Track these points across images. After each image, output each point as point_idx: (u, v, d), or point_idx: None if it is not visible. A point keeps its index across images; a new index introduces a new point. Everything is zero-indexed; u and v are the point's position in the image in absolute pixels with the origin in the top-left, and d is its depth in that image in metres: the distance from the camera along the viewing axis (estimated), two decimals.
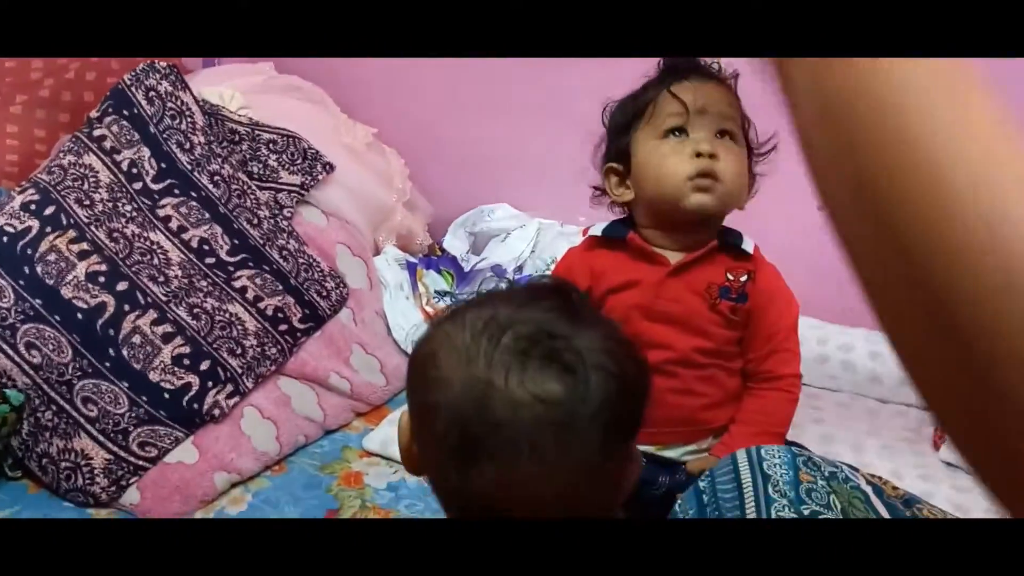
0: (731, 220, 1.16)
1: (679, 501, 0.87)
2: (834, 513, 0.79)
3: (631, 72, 1.09)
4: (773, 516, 0.79)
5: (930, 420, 1.41)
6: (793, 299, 1.12)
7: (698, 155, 1.01)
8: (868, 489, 0.81)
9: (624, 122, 1.10)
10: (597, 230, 1.12)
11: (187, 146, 1.43)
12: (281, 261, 1.43)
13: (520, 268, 1.67)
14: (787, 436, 1.18)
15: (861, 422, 1.41)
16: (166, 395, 1.21)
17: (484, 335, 0.54)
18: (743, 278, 1.07)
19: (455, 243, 1.76)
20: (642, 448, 1.12)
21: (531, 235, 1.71)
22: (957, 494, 1.18)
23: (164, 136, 1.42)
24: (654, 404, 1.10)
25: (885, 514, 0.79)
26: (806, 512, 0.79)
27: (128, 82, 1.44)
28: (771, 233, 1.61)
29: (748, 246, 1.10)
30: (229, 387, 1.27)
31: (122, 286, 1.25)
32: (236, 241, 1.40)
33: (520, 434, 0.51)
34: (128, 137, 1.40)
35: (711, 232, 1.08)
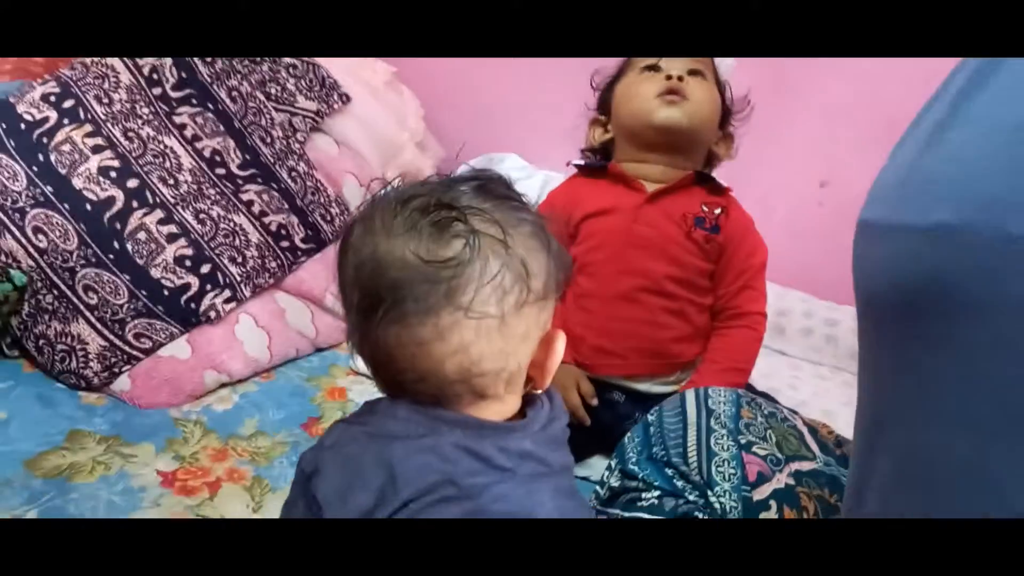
0: (734, 192, 1.21)
1: (628, 434, 0.91)
2: (769, 444, 0.83)
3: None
4: (712, 444, 0.83)
5: None
6: (762, 243, 1.18)
7: (667, 78, 1.09)
8: (804, 429, 0.86)
9: (608, 82, 1.20)
10: (580, 161, 1.19)
11: (208, 59, 1.46)
12: (289, 181, 1.46)
13: None
14: (763, 390, 1.22)
15: (836, 393, 1.44)
16: (165, 292, 1.25)
17: (389, 207, 0.58)
18: (717, 211, 1.12)
19: None
20: (616, 381, 1.16)
21: (537, 186, 1.73)
22: None
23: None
24: (624, 335, 1.15)
25: (815, 448, 0.84)
26: (742, 441, 0.83)
27: None
28: (770, 208, 1.64)
29: (722, 184, 1.17)
30: (227, 292, 1.30)
31: (132, 183, 1.28)
32: (247, 156, 1.43)
33: (410, 293, 0.55)
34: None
35: (688, 165, 1.14)
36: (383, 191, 0.62)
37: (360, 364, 1.37)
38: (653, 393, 1.14)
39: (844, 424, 1.31)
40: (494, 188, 0.61)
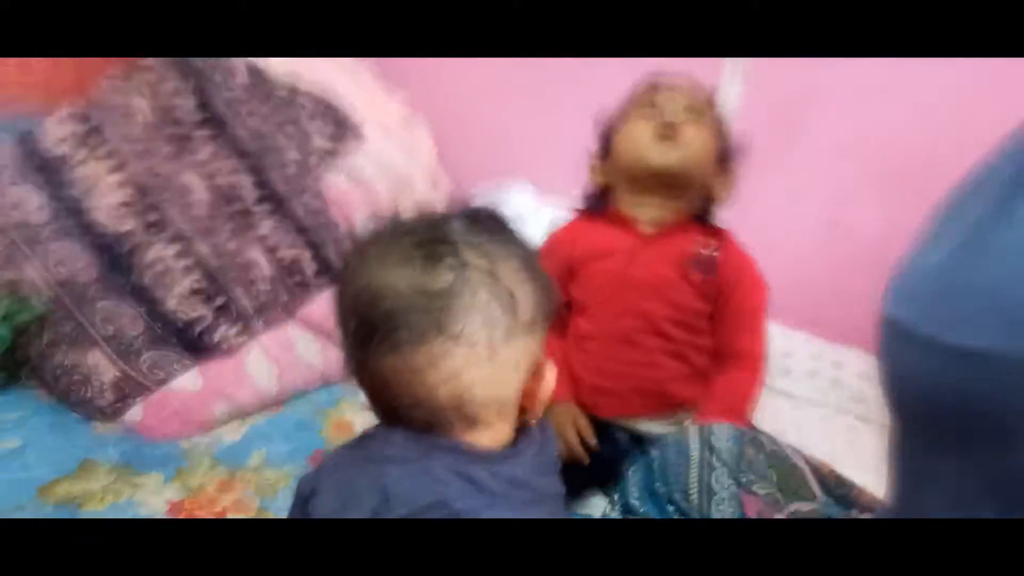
0: (737, 232, 1.22)
1: (631, 468, 0.92)
2: (769, 484, 0.84)
3: (655, 63, 1.18)
4: (713, 483, 0.85)
5: None
6: (762, 283, 1.18)
7: (664, 123, 1.10)
8: (806, 468, 0.87)
9: (610, 125, 1.21)
10: (580, 203, 1.21)
11: (229, 99, 1.50)
12: (303, 216, 1.49)
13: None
14: (768, 432, 1.22)
15: (840, 436, 1.44)
16: (179, 324, 1.28)
17: (384, 239, 0.61)
18: (713, 252, 1.13)
19: None
20: (617, 422, 1.17)
21: (545, 223, 1.75)
22: None
23: (207, 86, 1.49)
24: (622, 376, 1.16)
25: (816, 488, 0.85)
26: (743, 480, 0.84)
27: None
28: (776, 249, 1.66)
29: (719, 224, 1.17)
30: (239, 325, 1.33)
31: (151, 216, 1.32)
32: (262, 191, 1.47)
33: (403, 322, 0.58)
34: (176, 84, 1.47)
35: (685, 206, 1.15)
36: (379, 224, 0.65)
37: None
38: (653, 434, 1.15)
39: (850, 469, 1.32)
40: (485, 222, 0.64)
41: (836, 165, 1.62)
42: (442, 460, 0.60)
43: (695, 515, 0.83)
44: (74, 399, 1.23)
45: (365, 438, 0.65)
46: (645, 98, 1.15)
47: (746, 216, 1.24)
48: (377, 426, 0.65)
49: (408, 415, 0.61)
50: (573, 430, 1.12)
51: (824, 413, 1.53)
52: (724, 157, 1.20)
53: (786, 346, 1.59)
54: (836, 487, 0.86)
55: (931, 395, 0.44)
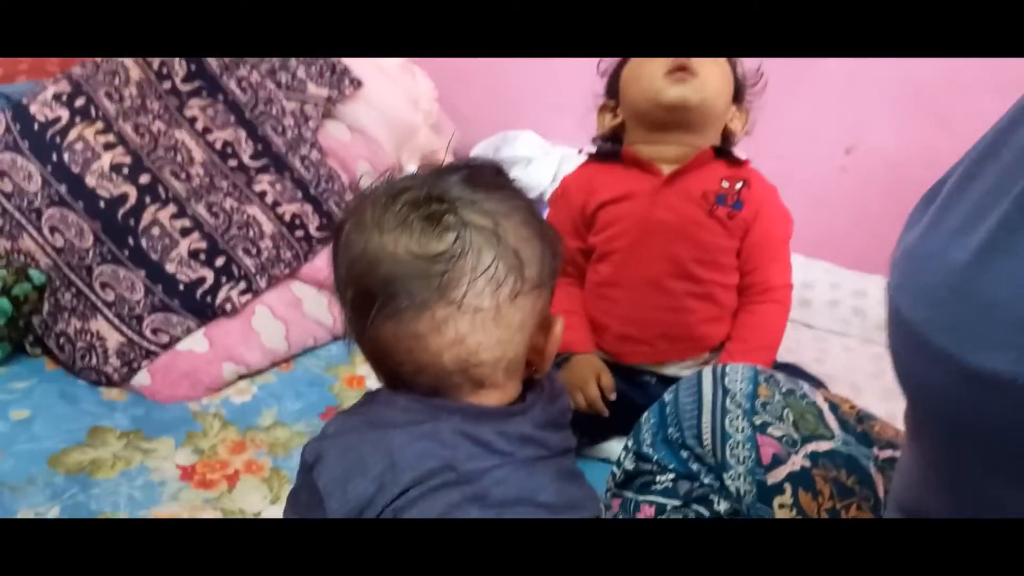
0: (754, 161, 1.17)
1: (644, 415, 0.90)
2: (785, 424, 0.81)
3: None
4: (727, 425, 0.81)
5: None
6: (787, 213, 1.14)
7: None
8: (824, 405, 0.83)
9: (615, 68, 1.17)
10: (592, 149, 1.16)
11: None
12: (302, 170, 1.46)
13: (541, 196, 1.68)
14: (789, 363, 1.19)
15: (864, 366, 1.40)
16: (181, 286, 1.26)
17: (379, 201, 0.58)
18: (738, 185, 1.09)
19: None
20: (643, 367, 1.14)
21: (553, 163, 1.71)
22: None
23: None
24: (650, 323, 1.13)
25: (835, 426, 0.81)
26: (757, 422, 0.81)
27: None
28: (793, 177, 1.60)
29: (742, 156, 1.13)
30: (242, 284, 1.31)
31: (144, 179, 1.29)
32: (259, 147, 1.43)
33: (403, 289, 0.55)
34: None
35: (703, 143, 1.11)
36: (372, 185, 0.62)
37: None
38: (682, 377, 1.12)
39: (874, 399, 1.29)
40: (484, 177, 0.60)
41: (851, 89, 1.56)
42: (449, 422, 0.57)
43: (709, 460, 0.80)
44: (80, 367, 1.21)
45: (368, 402, 0.62)
46: None
47: (761, 145, 1.20)
48: (380, 389, 0.63)
49: (412, 380, 0.58)
50: (594, 384, 1.09)
51: (847, 343, 1.49)
52: (739, 90, 1.15)
53: (806, 277, 1.55)
54: (856, 423, 0.83)
55: (947, 410, 0.40)
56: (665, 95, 1.06)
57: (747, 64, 1.17)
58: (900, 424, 0.92)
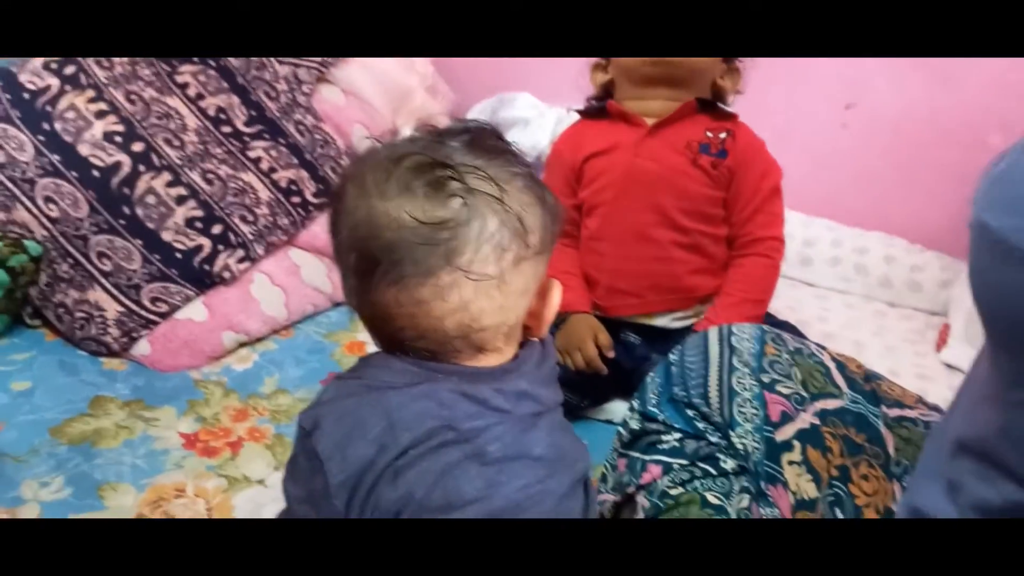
0: (752, 118, 1.16)
1: (650, 375, 0.89)
2: (793, 382, 0.80)
3: None
4: (734, 383, 0.81)
5: (935, 324, 1.40)
6: (775, 163, 1.14)
7: None
8: (831, 364, 0.83)
9: None
10: (580, 107, 1.17)
11: None
12: (297, 135, 1.44)
13: (539, 157, 1.66)
14: (791, 322, 1.19)
15: (867, 323, 1.40)
16: (178, 255, 1.24)
17: (380, 166, 0.57)
18: (722, 135, 1.08)
19: None
20: (632, 320, 1.14)
21: (550, 124, 1.69)
22: (951, 392, 1.18)
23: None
24: (637, 274, 1.13)
25: (843, 384, 0.81)
26: (765, 380, 0.80)
27: None
28: (792, 134, 1.59)
29: (728, 109, 1.12)
30: (240, 252, 1.29)
31: (138, 147, 1.27)
32: (253, 112, 1.41)
33: (408, 255, 0.54)
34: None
35: (691, 98, 1.10)
36: (371, 148, 0.61)
37: None
38: (671, 329, 1.12)
39: (875, 356, 1.29)
40: (486, 141, 0.60)
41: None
42: (446, 383, 0.58)
43: (716, 418, 0.80)
44: (80, 337, 1.21)
45: (364, 366, 0.62)
46: None
47: (759, 103, 1.19)
48: (376, 353, 0.62)
49: (413, 345, 0.58)
50: (591, 344, 1.09)
51: (849, 300, 1.49)
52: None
53: (806, 234, 1.54)
54: (863, 382, 0.83)
55: None
56: None
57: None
58: (905, 383, 0.92)
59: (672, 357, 0.91)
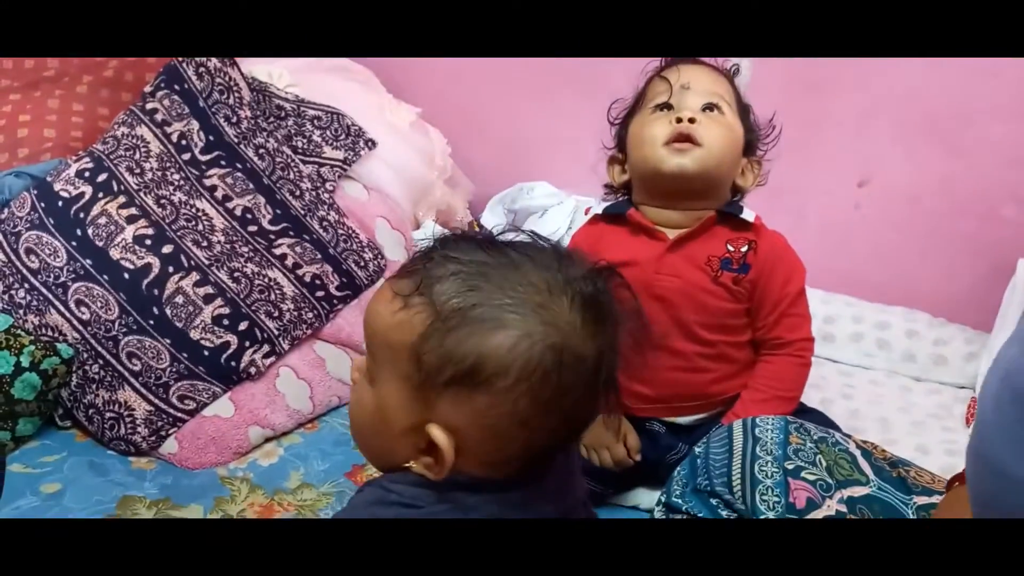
0: (767, 199, 1.17)
1: (677, 469, 0.89)
2: (819, 469, 0.80)
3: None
4: (756, 472, 0.81)
5: (963, 397, 1.38)
6: (799, 264, 1.12)
7: (678, 121, 1.04)
8: (857, 452, 0.83)
9: (624, 115, 1.16)
10: (599, 208, 1.15)
11: (234, 119, 1.49)
12: (321, 231, 1.48)
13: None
14: (818, 408, 1.18)
15: (892, 399, 1.39)
16: (205, 352, 1.27)
17: (553, 295, 0.57)
18: (744, 248, 1.07)
19: (493, 219, 1.79)
20: (657, 419, 1.13)
21: (568, 212, 1.72)
22: None
23: (212, 110, 1.48)
24: (663, 383, 1.11)
25: (869, 472, 0.80)
26: (789, 467, 0.80)
27: (180, 59, 1.50)
28: (808, 211, 1.61)
29: (748, 216, 1.10)
30: (266, 347, 1.32)
31: (167, 249, 1.31)
32: (278, 211, 1.45)
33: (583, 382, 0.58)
34: (179, 111, 1.46)
35: (710, 205, 1.09)
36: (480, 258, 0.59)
37: None
38: (694, 425, 1.11)
39: (903, 432, 1.27)
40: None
41: (863, 123, 1.56)
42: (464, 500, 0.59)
43: (739, 506, 0.80)
44: (109, 437, 1.23)
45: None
46: (659, 92, 1.09)
47: (775, 182, 1.19)
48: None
49: None
50: (621, 445, 1.08)
51: (873, 376, 1.47)
52: (750, 146, 1.13)
53: (827, 311, 1.54)
54: (890, 468, 0.82)
55: None
56: (665, 165, 1.04)
57: (764, 99, 1.16)
58: (931, 467, 0.91)
59: (697, 449, 0.92)
